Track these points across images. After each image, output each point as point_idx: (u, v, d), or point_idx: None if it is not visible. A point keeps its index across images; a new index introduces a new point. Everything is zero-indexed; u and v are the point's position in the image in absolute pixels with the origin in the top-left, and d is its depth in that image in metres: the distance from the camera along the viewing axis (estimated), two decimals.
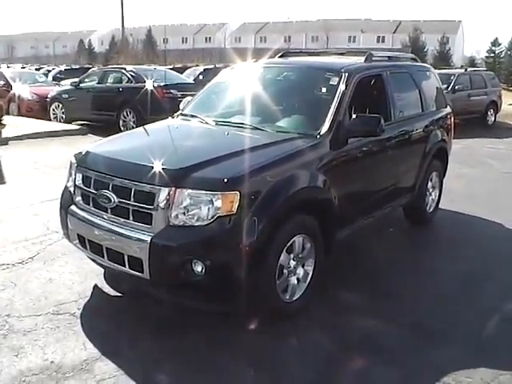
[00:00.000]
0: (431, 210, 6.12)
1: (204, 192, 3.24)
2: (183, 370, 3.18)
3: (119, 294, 4.14)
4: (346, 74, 4.44)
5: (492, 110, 16.33)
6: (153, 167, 3.40)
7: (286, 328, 3.65)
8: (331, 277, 4.32)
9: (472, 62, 44.07)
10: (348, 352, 3.41)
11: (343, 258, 4.86)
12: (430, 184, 5.95)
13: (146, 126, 4.66)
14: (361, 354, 3.39)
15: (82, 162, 3.91)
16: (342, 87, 4.34)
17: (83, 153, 4.01)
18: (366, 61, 4.97)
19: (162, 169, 3.35)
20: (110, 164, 3.67)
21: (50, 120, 14.32)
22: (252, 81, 5.00)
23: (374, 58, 5.09)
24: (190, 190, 3.25)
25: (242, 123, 4.32)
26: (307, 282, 3.85)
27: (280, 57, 5.68)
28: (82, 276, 4.38)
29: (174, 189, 3.27)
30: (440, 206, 6.34)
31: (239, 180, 3.29)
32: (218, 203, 3.20)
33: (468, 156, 10.54)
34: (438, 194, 6.22)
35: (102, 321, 3.73)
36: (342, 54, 5.98)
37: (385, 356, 3.37)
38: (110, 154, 3.89)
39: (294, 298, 3.76)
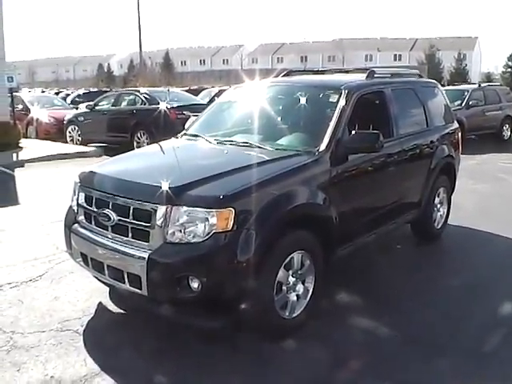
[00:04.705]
0: (439, 226, 6.06)
1: (199, 209, 3.29)
2: None
3: (122, 311, 4.18)
4: (346, 91, 4.48)
5: (507, 125, 16.17)
6: (150, 186, 3.48)
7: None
8: (335, 289, 4.35)
9: (489, 78, 43.76)
10: (346, 363, 3.42)
11: (348, 274, 4.86)
12: (437, 200, 5.91)
13: (148, 146, 4.78)
14: (359, 365, 3.39)
15: (85, 181, 4.00)
16: (341, 104, 4.38)
17: (86, 172, 4.11)
18: (367, 78, 5.01)
19: (159, 187, 3.41)
20: (110, 183, 3.76)
21: (66, 142, 14.63)
22: (254, 100, 5.08)
23: (375, 75, 5.13)
24: (186, 208, 3.31)
25: (243, 142, 4.39)
26: (307, 298, 3.85)
27: (284, 76, 5.75)
28: (87, 294, 4.44)
29: (170, 206, 3.33)
30: (451, 222, 6.27)
31: (234, 197, 3.34)
32: (213, 220, 3.25)
33: (482, 171, 10.45)
34: (446, 210, 6.17)
35: (104, 337, 3.78)
36: (346, 71, 6.03)
37: (382, 369, 3.37)
38: (111, 173, 3.99)
39: (294, 315, 3.76)
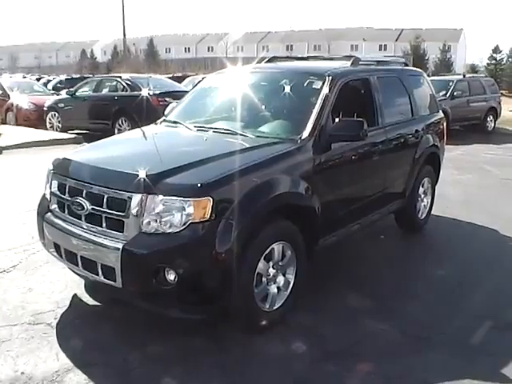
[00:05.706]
0: (423, 216, 6.01)
1: (176, 198, 3.15)
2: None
3: (98, 304, 4.05)
4: (330, 78, 4.36)
5: (491, 116, 16.23)
6: (125, 173, 3.34)
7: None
8: (318, 283, 4.27)
9: (474, 70, 43.94)
10: (332, 358, 3.34)
11: (331, 265, 4.78)
12: (421, 190, 5.85)
13: (125, 133, 4.64)
14: (345, 360, 3.32)
15: (58, 168, 3.85)
16: (325, 91, 4.25)
17: (60, 159, 3.95)
18: (352, 65, 4.90)
19: (134, 175, 3.26)
20: (83, 170, 3.61)
21: (46, 129, 14.34)
22: (236, 86, 4.94)
23: (361, 63, 5.02)
24: (162, 197, 3.17)
25: (224, 129, 4.25)
26: (289, 290, 3.74)
27: (267, 62, 5.60)
28: (62, 285, 4.30)
29: (146, 195, 3.19)
30: (435, 213, 6.24)
31: (212, 186, 3.21)
32: (190, 209, 3.12)
33: (466, 162, 10.46)
34: (430, 201, 6.11)
35: (78, 331, 3.64)
36: (330, 58, 5.91)
37: (368, 362, 3.29)
38: (85, 160, 3.83)
39: (275, 308, 3.65)
